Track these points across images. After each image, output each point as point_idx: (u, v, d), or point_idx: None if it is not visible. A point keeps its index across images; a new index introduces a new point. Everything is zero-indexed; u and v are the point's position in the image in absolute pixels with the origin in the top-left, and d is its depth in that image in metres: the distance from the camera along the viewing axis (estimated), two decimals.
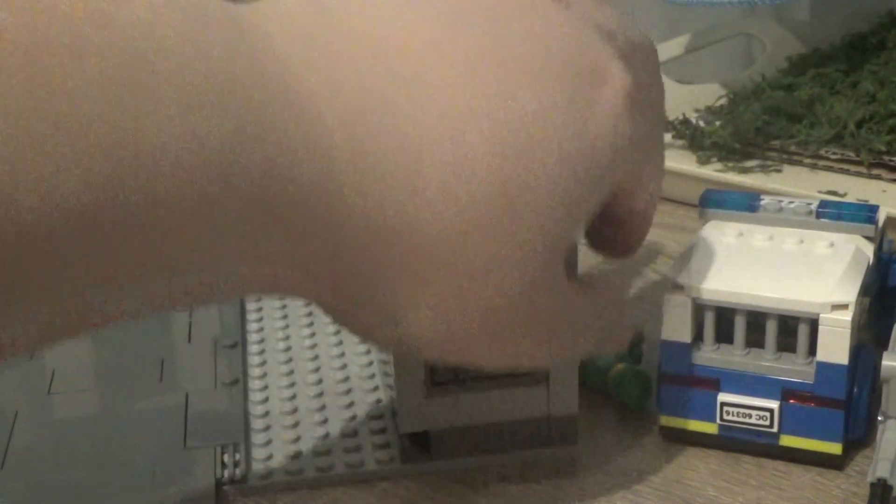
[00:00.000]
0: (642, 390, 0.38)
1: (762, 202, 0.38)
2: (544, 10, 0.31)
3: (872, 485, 0.32)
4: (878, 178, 0.54)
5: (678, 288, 0.35)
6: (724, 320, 0.36)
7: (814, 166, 0.56)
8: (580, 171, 0.29)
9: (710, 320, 0.36)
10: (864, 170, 0.55)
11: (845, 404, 0.35)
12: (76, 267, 0.23)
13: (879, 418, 0.34)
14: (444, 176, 0.28)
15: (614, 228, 0.34)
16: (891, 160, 0.54)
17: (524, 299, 0.30)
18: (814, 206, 0.38)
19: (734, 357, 0.36)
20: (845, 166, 0.55)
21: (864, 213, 0.37)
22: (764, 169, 0.56)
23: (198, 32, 0.25)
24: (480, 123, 0.28)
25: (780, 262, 0.36)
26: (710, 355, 0.36)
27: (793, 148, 0.56)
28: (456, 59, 0.29)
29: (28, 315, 0.23)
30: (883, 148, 0.54)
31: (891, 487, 0.32)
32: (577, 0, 0.32)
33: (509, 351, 0.31)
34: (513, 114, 0.28)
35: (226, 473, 0.36)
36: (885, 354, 0.34)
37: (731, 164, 0.56)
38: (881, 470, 0.33)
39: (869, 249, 0.37)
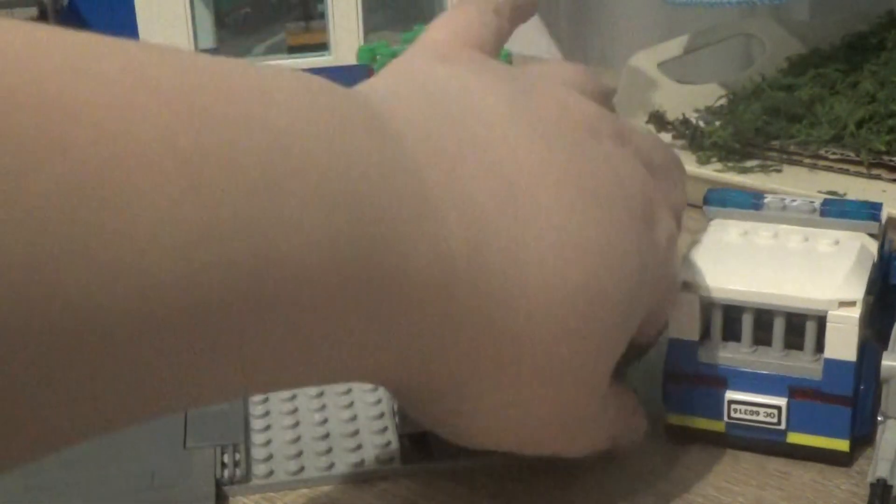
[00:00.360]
0: None
1: (765, 200, 0.39)
2: (620, 152, 0.33)
3: (872, 485, 0.32)
4: (877, 178, 0.54)
5: (686, 286, 0.36)
6: (730, 319, 0.36)
7: (814, 166, 0.56)
8: (639, 293, 0.32)
9: (717, 318, 0.36)
10: (864, 170, 0.55)
11: (852, 401, 0.35)
12: (195, 356, 0.23)
13: (879, 418, 0.34)
14: (543, 286, 0.29)
15: None
16: (891, 160, 0.54)
17: (584, 400, 0.32)
18: (817, 204, 0.38)
19: (742, 355, 0.36)
20: (845, 166, 0.55)
21: (868, 211, 0.37)
22: (764, 169, 0.56)
23: (338, 135, 0.26)
24: (577, 244, 0.30)
25: (787, 259, 0.36)
26: (717, 353, 0.36)
27: (793, 148, 0.56)
28: (554, 179, 0.30)
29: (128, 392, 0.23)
30: (883, 148, 0.54)
31: (891, 487, 0.32)
32: (634, 135, 0.35)
33: (550, 445, 0.33)
34: (600, 240, 0.31)
35: (226, 473, 0.36)
36: (884, 354, 0.34)
37: (731, 164, 0.56)
38: (881, 470, 0.33)
39: (873, 247, 0.37)
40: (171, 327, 0.22)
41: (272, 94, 0.25)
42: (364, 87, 0.31)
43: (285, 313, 0.24)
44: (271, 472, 0.36)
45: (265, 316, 0.24)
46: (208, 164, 0.22)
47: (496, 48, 0.36)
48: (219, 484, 0.36)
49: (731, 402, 0.36)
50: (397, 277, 0.27)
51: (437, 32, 0.35)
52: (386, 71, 0.34)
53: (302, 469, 0.36)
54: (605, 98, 0.37)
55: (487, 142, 0.30)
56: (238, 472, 0.36)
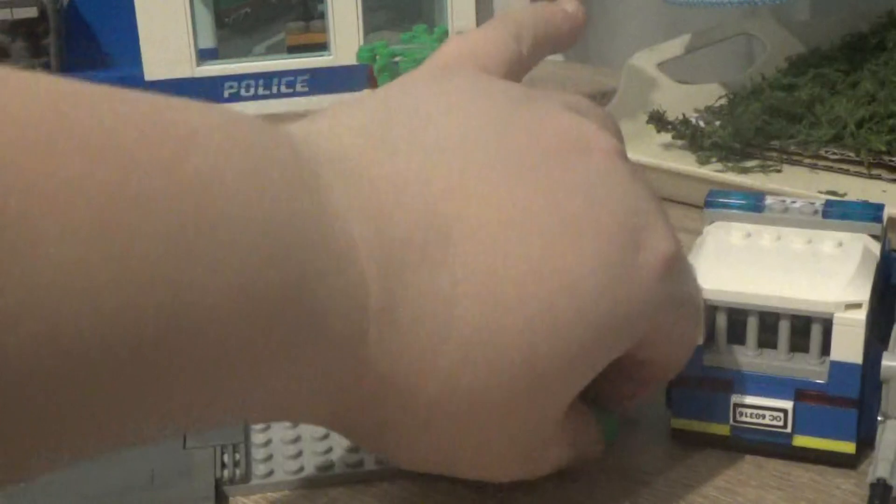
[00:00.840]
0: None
1: (766, 202, 0.38)
2: (615, 167, 0.31)
3: (872, 485, 0.32)
4: (878, 178, 0.54)
5: None
6: (733, 322, 0.36)
7: (814, 166, 0.56)
8: (607, 336, 0.30)
9: (721, 322, 0.36)
10: (864, 170, 0.55)
11: (859, 403, 0.35)
12: (107, 397, 0.23)
13: (879, 418, 0.34)
14: (469, 345, 0.28)
15: (630, 372, 0.34)
16: (891, 160, 0.54)
17: (522, 450, 0.31)
18: (818, 206, 0.38)
19: (747, 358, 0.36)
20: (845, 166, 0.55)
21: (870, 212, 0.37)
22: (764, 169, 0.56)
23: (259, 183, 0.25)
24: (517, 290, 0.28)
25: (791, 262, 0.36)
26: (722, 357, 0.36)
27: (793, 148, 0.56)
28: (505, 216, 0.29)
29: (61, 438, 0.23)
30: (883, 148, 0.54)
31: (891, 487, 0.32)
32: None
33: (491, 475, 0.33)
34: (552, 281, 0.29)
35: (226, 473, 0.36)
36: (884, 355, 0.34)
37: (730, 164, 0.56)
38: (881, 470, 0.32)
39: (876, 248, 0.37)
40: (81, 370, 0.22)
41: (194, 137, 0.24)
42: (307, 123, 0.31)
43: (198, 357, 0.24)
44: (271, 472, 0.36)
45: (177, 359, 0.23)
46: (122, 209, 0.22)
47: (511, 72, 0.35)
48: (219, 484, 0.36)
49: (737, 405, 0.36)
50: (311, 325, 0.26)
51: (445, 48, 0.35)
52: (362, 96, 0.33)
53: (302, 469, 0.36)
54: (615, 131, 0.35)
55: (435, 178, 0.29)
56: (238, 472, 0.36)
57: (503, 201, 0.29)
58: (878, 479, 0.32)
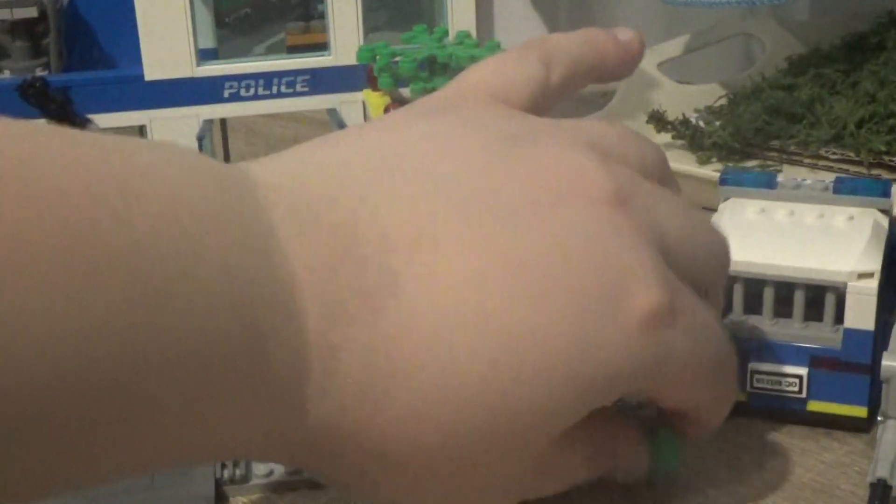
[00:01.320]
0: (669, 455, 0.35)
1: (779, 180, 0.40)
2: (593, 214, 0.29)
3: (872, 485, 0.32)
4: (877, 178, 0.54)
5: None
6: (750, 293, 0.37)
7: (814, 166, 0.56)
8: (581, 390, 0.28)
9: (739, 292, 0.37)
10: (863, 170, 0.55)
11: (871, 369, 0.36)
12: (63, 443, 0.23)
13: (879, 418, 0.34)
14: (419, 402, 0.27)
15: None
16: (891, 160, 0.54)
17: (505, 487, 0.30)
18: (829, 183, 0.39)
19: (763, 327, 0.37)
20: (845, 166, 0.55)
21: (879, 188, 0.39)
22: (764, 169, 0.56)
23: (214, 234, 0.25)
24: (478, 342, 0.27)
25: (805, 235, 0.37)
26: (740, 326, 0.37)
27: (793, 148, 0.56)
28: (469, 266, 0.27)
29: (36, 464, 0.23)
30: (883, 148, 0.54)
31: (891, 487, 0.32)
32: (660, 200, 0.31)
33: None
34: (516, 332, 0.27)
35: (226, 473, 0.36)
36: (884, 355, 0.34)
37: (731, 165, 0.56)
38: (881, 470, 0.33)
39: (885, 222, 0.38)
40: (36, 417, 0.22)
41: (146, 188, 0.25)
42: (280, 161, 0.30)
43: (151, 404, 0.24)
44: (271, 472, 0.36)
45: (131, 406, 0.24)
46: (74, 263, 0.22)
47: (535, 100, 0.33)
48: (219, 484, 0.36)
49: (754, 372, 0.37)
50: (257, 380, 0.26)
51: (464, 75, 0.34)
52: (352, 129, 0.33)
53: (302, 469, 0.36)
54: (654, 165, 0.33)
55: (400, 225, 0.27)
56: (238, 471, 0.36)
57: (469, 250, 0.28)
58: (878, 479, 0.32)
